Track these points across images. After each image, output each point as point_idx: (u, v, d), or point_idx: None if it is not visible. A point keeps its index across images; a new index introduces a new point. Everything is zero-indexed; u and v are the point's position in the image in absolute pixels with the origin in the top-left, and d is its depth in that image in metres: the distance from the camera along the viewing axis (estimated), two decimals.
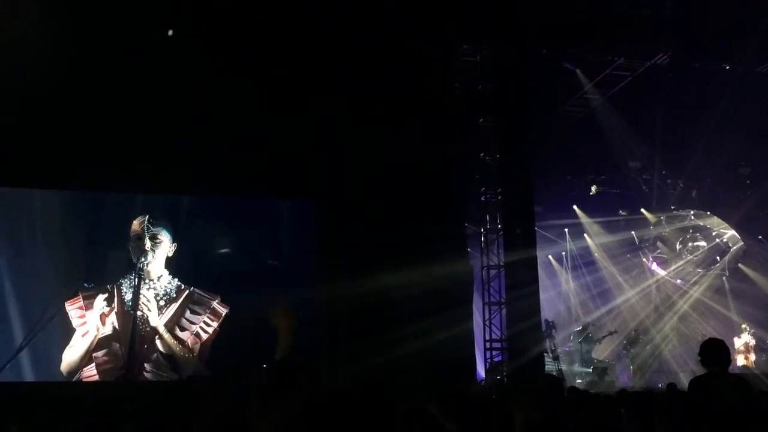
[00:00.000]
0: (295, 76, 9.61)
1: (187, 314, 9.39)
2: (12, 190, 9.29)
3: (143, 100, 9.10)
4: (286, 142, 9.59)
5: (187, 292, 9.43)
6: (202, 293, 9.46)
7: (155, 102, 9.12)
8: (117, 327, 9.09)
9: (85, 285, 9.14)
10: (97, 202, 9.66)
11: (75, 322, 9.01)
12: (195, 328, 9.36)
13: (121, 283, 9.24)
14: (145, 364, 9.11)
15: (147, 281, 9.19)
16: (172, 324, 9.31)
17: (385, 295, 9.30)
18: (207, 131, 9.27)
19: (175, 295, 9.39)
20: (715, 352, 4.90)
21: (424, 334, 9.25)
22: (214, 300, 9.46)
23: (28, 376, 8.79)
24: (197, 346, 9.31)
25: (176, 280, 9.44)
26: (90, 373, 8.95)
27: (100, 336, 9.03)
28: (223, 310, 9.44)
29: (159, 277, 9.34)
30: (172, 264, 9.42)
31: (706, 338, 5.39)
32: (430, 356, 9.18)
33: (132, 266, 9.15)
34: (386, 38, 9.82)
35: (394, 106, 9.92)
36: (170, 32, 9.22)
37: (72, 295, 9.03)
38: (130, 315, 9.03)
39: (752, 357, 15.36)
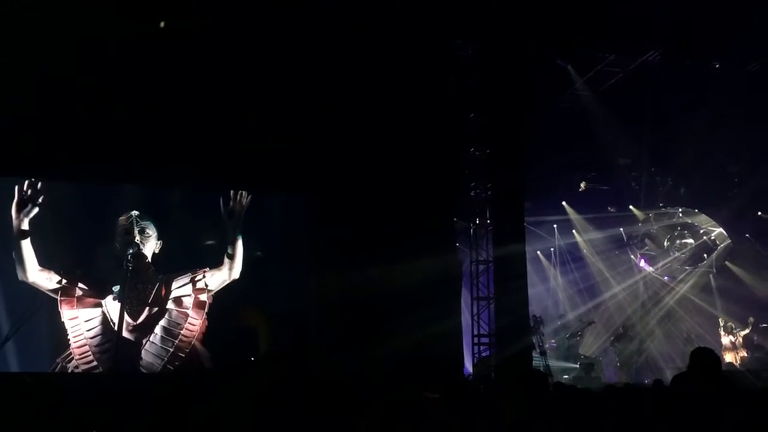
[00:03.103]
0: (285, 70, 9.58)
1: (175, 307, 9.39)
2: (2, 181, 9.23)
3: (133, 92, 9.06)
4: (276, 136, 9.57)
5: (174, 284, 9.43)
6: (185, 285, 9.48)
7: (145, 94, 9.08)
8: (106, 320, 9.10)
9: (82, 275, 9.18)
10: (85, 195, 9.62)
11: (65, 314, 9.02)
12: (183, 320, 9.36)
13: (110, 276, 9.22)
14: (136, 357, 9.11)
15: (135, 274, 9.16)
16: (160, 319, 9.31)
17: (373, 289, 9.31)
18: (196, 125, 9.24)
19: (163, 288, 9.39)
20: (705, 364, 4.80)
21: (413, 329, 9.28)
22: (201, 294, 9.48)
23: (14, 367, 8.76)
24: (186, 339, 9.31)
25: (163, 274, 9.44)
26: (81, 364, 8.94)
27: (88, 328, 9.04)
28: (209, 302, 9.47)
29: (147, 271, 9.33)
30: (158, 259, 9.40)
31: (696, 346, 5.27)
32: (418, 350, 9.21)
33: (119, 260, 9.11)
34: (378, 33, 9.80)
35: (384, 100, 9.91)
36: (161, 24, 9.16)
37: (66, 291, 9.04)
38: (118, 307, 9.00)
39: (741, 354, 15.46)
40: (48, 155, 8.97)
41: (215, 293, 9.55)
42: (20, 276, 8.87)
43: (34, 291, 8.93)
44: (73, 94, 8.90)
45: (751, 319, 15.65)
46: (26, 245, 8.90)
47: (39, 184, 9.04)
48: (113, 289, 9.14)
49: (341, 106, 9.82)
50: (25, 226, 8.92)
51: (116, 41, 8.92)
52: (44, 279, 8.95)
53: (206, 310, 9.46)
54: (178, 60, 9.13)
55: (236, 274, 9.58)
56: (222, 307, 9.49)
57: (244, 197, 9.71)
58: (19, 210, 8.92)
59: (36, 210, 8.96)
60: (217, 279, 9.55)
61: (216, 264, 9.62)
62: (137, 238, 9.18)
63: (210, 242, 9.77)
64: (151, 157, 9.14)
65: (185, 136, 9.18)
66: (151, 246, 9.34)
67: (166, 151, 9.15)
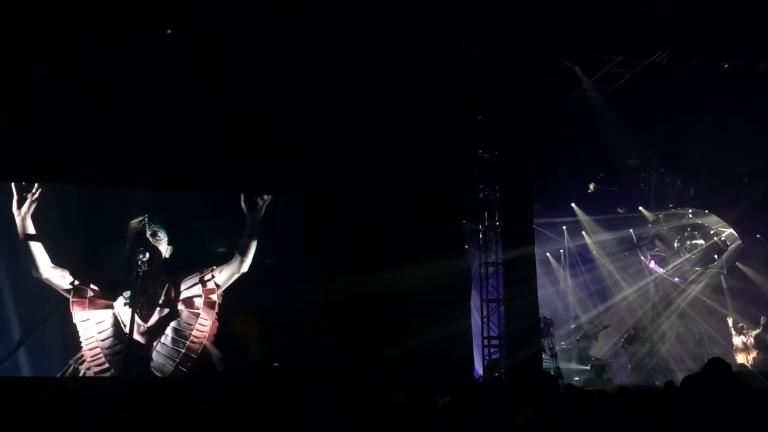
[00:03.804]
0: (291, 72, 9.59)
1: (186, 308, 9.42)
2: (8, 184, 9.27)
3: (139, 96, 9.11)
4: (282, 138, 9.59)
5: (183, 285, 9.47)
6: (195, 285, 9.52)
7: (151, 97, 9.12)
8: (117, 322, 9.14)
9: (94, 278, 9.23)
10: (94, 199, 9.67)
11: (77, 316, 9.08)
12: (194, 321, 9.39)
13: (121, 279, 9.26)
14: (147, 359, 9.15)
15: (146, 279, 9.20)
16: (171, 321, 9.35)
17: (382, 293, 9.30)
18: (203, 128, 9.27)
19: (173, 290, 9.43)
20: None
21: (422, 331, 9.27)
22: (211, 294, 9.53)
23: (26, 371, 8.80)
24: (197, 340, 9.35)
25: (173, 278, 9.47)
26: (92, 366, 8.99)
27: (99, 331, 9.09)
28: (219, 302, 9.55)
29: (157, 275, 9.37)
30: (169, 263, 9.44)
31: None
32: (427, 353, 9.20)
33: (130, 264, 9.16)
34: (384, 35, 9.81)
35: (391, 102, 9.92)
36: (168, 31, 9.20)
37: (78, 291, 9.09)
38: (129, 310, 9.04)
39: (752, 354, 15.36)
40: (58, 159, 9.02)
41: (225, 294, 9.57)
42: (34, 273, 8.96)
43: (45, 294, 8.98)
44: (82, 97, 8.96)
45: (763, 319, 15.55)
46: (36, 246, 8.98)
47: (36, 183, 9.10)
48: (124, 293, 9.18)
49: (348, 108, 9.83)
50: (31, 228, 8.98)
51: (122, 46, 8.97)
52: (58, 276, 9.02)
53: (216, 310, 9.50)
54: (184, 63, 9.17)
55: (245, 267, 9.63)
56: (232, 308, 9.52)
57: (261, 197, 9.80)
58: (19, 207, 8.99)
59: (34, 206, 9.02)
60: (225, 274, 9.59)
61: (225, 261, 9.65)
62: (149, 241, 9.23)
63: (220, 248, 9.78)
64: (157, 160, 9.18)
65: (190, 139, 9.22)
66: (162, 250, 9.38)
67: (171, 154, 9.19)
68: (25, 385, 8.29)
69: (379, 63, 9.83)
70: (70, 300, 9.05)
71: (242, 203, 9.72)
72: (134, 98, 9.09)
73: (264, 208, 9.76)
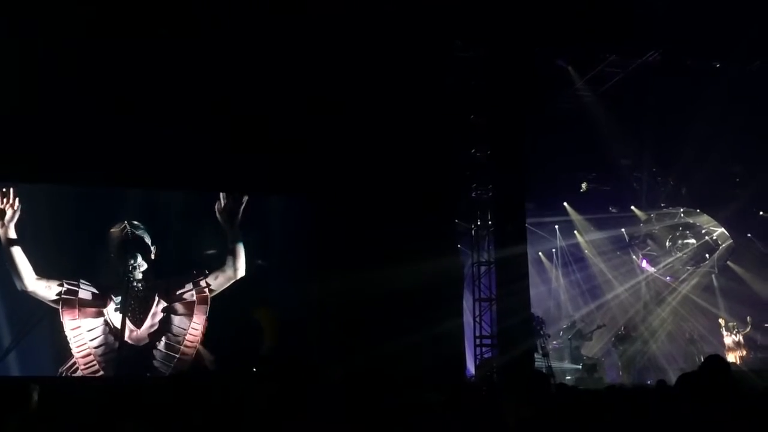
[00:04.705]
0: (285, 71, 9.57)
1: (178, 312, 9.38)
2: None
3: (132, 96, 9.07)
4: (275, 138, 9.57)
5: (176, 290, 9.43)
6: (188, 291, 9.47)
7: (143, 96, 9.09)
8: (109, 328, 9.09)
9: (83, 284, 9.16)
10: (85, 201, 9.57)
11: (68, 324, 9.03)
12: (187, 325, 9.35)
13: (111, 284, 9.20)
14: (141, 364, 9.11)
15: (136, 283, 9.15)
16: (165, 325, 9.31)
17: (375, 292, 9.29)
18: (195, 128, 9.23)
19: (165, 294, 9.39)
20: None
21: (414, 330, 9.26)
22: (204, 298, 9.49)
23: (14, 372, 8.75)
24: (191, 344, 9.30)
25: (164, 279, 9.43)
26: (85, 373, 8.94)
27: (92, 338, 9.03)
28: (210, 306, 9.50)
29: (147, 278, 9.31)
30: (157, 263, 9.40)
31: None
32: (419, 352, 9.20)
33: (118, 270, 9.10)
34: (378, 35, 9.79)
35: (385, 102, 9.91)
36: (162, 31, 9.16)
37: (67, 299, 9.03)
38: (120, 317, 8.99)
39: (743, 353, 15.42)
40: (46, 160, 8.95)
41: (217, 297, 9.53)
42: (19, 286, 8.83)
43: (35, 301, 8.91)
44: (71, 98, 8.90)
45: (750, 319, 15.62)
46: (18, 253, 8.85)
47: (12, 190, 9.00)
48: (115, 299, 9.12)
49: (341, 108, 9.82)
50: (12, 234, 8.87)
51: (114, 45, 8.92)
52: (43, 288, 8.90)
53: (207, 314, 9.44)
54: (177, 63, 9.13)
55: (241, 272, 9.59)
56: (225, 309, 9.49)
57: (235, 198, 9.69)
58: (1, 217, 8.88)
59: (17, 216, 8.91)
60: (221, 280, 9.55)
61: (218, 266, 9.61)
62: (134, 246, 9.16)
63: (211, 249, 9.74)
64: (150, 161, 9.14)
65: (184, 139, 9.18)
66: (146, 253, 9.32)
67: (164, 155, 9.15)
68: (16, 385, 8.25)
69: (374, 63, 9.82)
70: (60, 309, 8.96)
71: (216, 212, 9.63)
72: (130, 99, 9.04)
73: (238, 214, 9.68)
